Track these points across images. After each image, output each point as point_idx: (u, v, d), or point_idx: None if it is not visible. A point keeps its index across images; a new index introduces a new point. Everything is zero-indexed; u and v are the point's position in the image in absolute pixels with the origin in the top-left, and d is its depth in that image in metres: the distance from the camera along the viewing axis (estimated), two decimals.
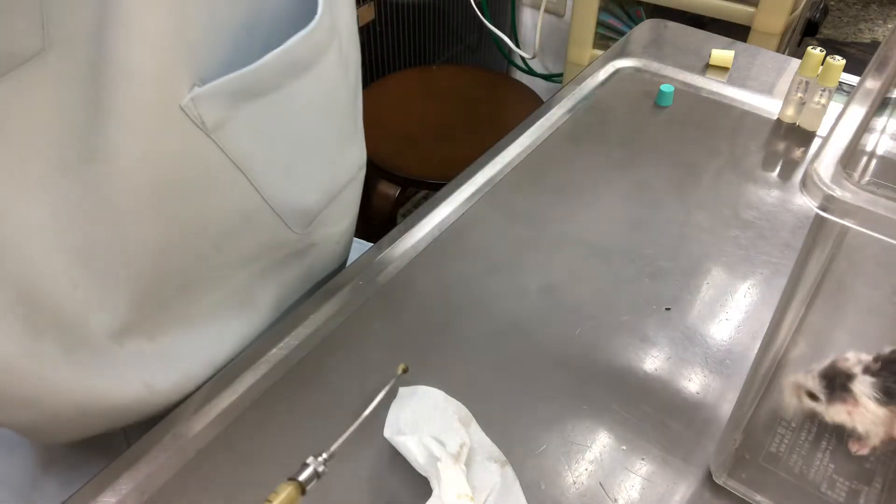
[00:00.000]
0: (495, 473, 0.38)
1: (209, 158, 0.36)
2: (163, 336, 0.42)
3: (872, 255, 0.35)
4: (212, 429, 0.42)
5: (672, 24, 0.81)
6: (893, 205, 0.24)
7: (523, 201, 0.58)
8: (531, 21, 1.67)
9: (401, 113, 1.18)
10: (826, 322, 0.39)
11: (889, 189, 0.39)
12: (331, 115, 0.45)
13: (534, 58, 1.55)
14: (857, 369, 0.35)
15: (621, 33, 1.38)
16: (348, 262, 0.53)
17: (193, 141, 0.35)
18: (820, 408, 0.36)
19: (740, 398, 0.38)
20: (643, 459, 0.41)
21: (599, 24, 1.37)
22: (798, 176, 0.62)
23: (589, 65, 0.74)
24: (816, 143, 0.65)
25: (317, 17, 0.39)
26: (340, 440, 0.35)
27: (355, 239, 0.71)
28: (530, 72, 1.68)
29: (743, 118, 0.68)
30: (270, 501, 0.31)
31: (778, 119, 0.67)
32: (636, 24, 1.12)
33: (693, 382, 0.45)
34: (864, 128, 0.28)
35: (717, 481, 0.40)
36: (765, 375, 0.37)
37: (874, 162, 0.38)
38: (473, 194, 0.58)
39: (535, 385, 0.45)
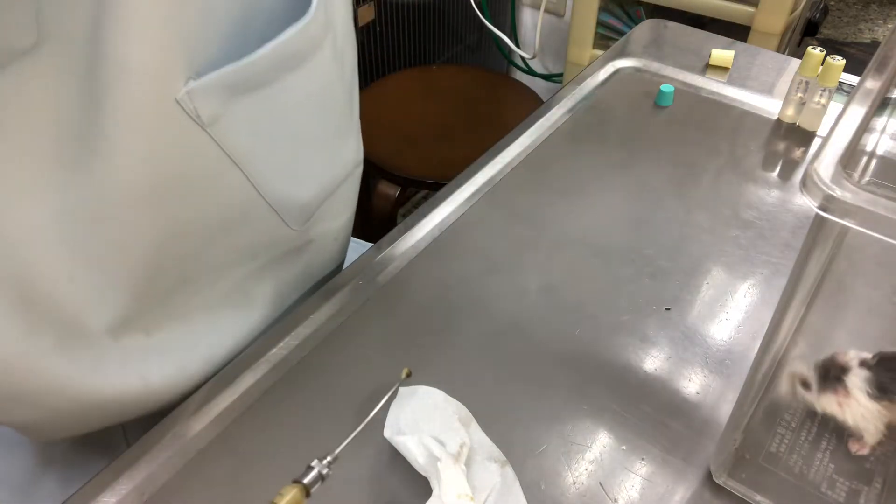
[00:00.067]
0: (495, 473, 0.38)
1: (205, 153, 0.36)
2: (160, 331, 0.42)
3: (872, 255, 0.35)
4: (212, 429, 0.42)
5: (672, 24, 0.81)
6: (893, 205, 0.24)
7: (523, 201, 0.58)
8: (531, 21, 1.67)
9: (401, 113, 1.18)
10: (826, 322, 0.39)
11: (889, 189, 0.39)
12: (326, 109, 0.45)
13: (534, 58, 1.55)
14: (854, 363, 0.36)
15: (621, 33, 1.38)
16: (348, 263, 0.52)
17: (189, 135, 0.35)
18: (811, 397, 0.36)
19: (740, 398, 0.38)
20: (643, 459, 0.41)
21: (599, 24, 1.37)
22: (798, 176, 0.62)
23: (589, 65, 0.74)
24: (816, 143, 0.65)
25: (311, 10, 0.39)
26: (344, 443, 0.35)
27: (355, 239, 0.71)
28: (530, 72, 1.68)
29: (743, 118, 0.68)
30: (275, 503, 0.31)
31: (778, 119, 0.67)
32: (636, 24, 1.12)
33: (693, 382, 0.45)
34: (864, 128, 0.28)
35: (717, 481, 0.40)
36: (765, 375, 0.37)
37: (874, 162, 0.38)
38: (473, 194, 0.58)
39: (536, 385, 0.45)
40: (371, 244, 0.55)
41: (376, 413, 0.38)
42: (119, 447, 0.51)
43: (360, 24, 1.27)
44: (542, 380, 0.45)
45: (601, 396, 0.44)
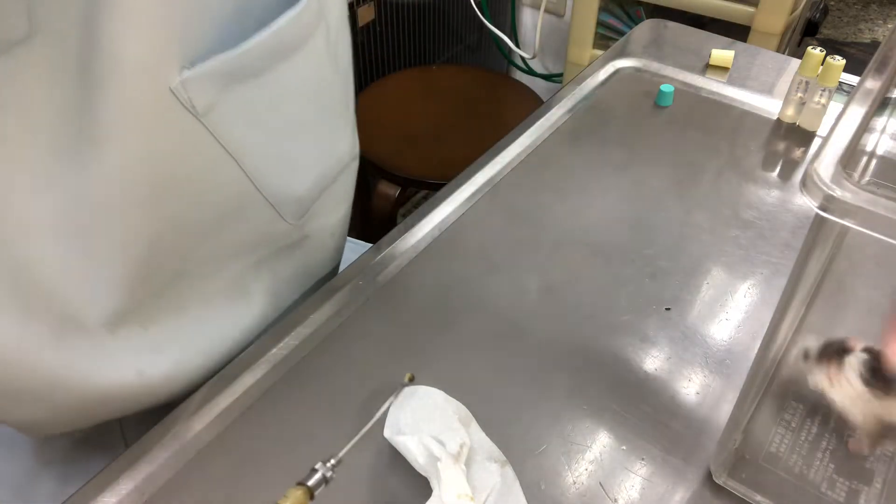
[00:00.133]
0: (495, 473, 0.38)
1: (200, 143, 0.36)
2: (156, 325, 0.42)
3: (872, 255, 0.35)
4: (212, 429, 0.42)
5: (672, 24, 0.81)
6: (893, 205, 0.24)
7: (523, 201, 0.58)
8: (531, 21, 1.67)
9: (401, 113, 1.18)
10: (826, 322, 0.39)
11: (889, 189, 0.39)
12: (321, 100, 0.45)
13: (534, 58, 1.55)
14: (859, 347, 0.36)
15: (621, 33, 1.38)
16: (348, 263, 0.52)
17: (184, 125, 0.35)
18: (807, 367, 0.36)
19: (740, 398, 0.38)
20: (643, 459, 0.41)
21: (599, 24, 1.37)
22: (798, 176, 0.62)
23: (589, 65, 0.74)
24: (816, 143, 0.65)
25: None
26: (348, 446, 0.35)
27: (355, 240, 0.71)
28: (530, 72, 1.68)
29: (743, 118, 0.68)
30: None
31: (778, 119, 0.67)
32: (636, 24, 1.12)
33: (693, 382, 0.45)
34: (864, 128, 0.28)
35: (717, 481, 0.40)
36: (765, 375, 0.37)
37: (874, 162, 0.38)
38: (473, 194, 0.58)
39: (535, 385, 0.45)
40: (371, 244, 0.55)
41: (374, 412, 0.38)
42: (117, 446, 0.51)
43: (360, 24, 1.27)
44: (542, 380, 0.45)
45: (601, 396, 0.44)
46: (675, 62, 0.74)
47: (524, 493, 0.38)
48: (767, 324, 0.34)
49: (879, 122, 0.34)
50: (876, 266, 0.36)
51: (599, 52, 1.19)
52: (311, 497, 0.32)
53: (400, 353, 0.46)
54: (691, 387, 0.45)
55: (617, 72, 0.74)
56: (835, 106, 0.65)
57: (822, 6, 1.27)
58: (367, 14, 1.27)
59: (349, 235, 0.68)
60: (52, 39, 0.30)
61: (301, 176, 0.45)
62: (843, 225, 0.25)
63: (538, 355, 0.46)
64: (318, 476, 0.33)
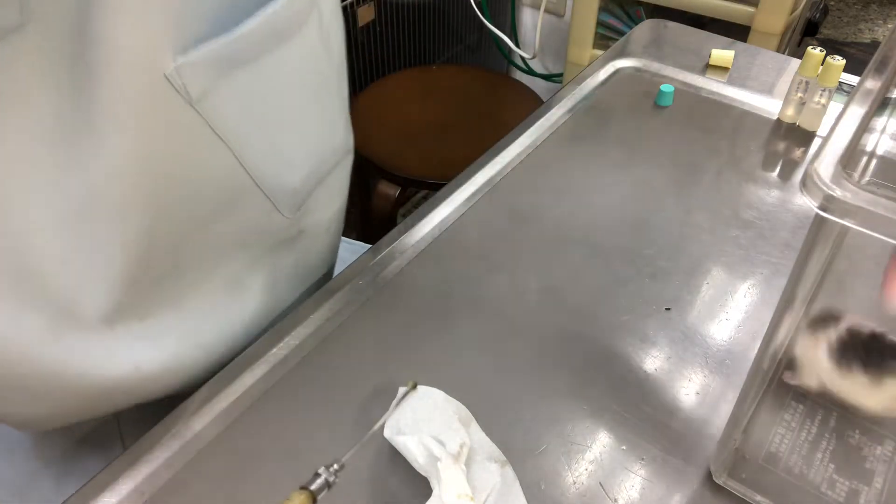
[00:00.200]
0: (495, 473, 0.38)
1: (195, 132, 0.36)
2: (153, 318, 0.42)
3: (872, 255, 0.35)
4: (212, 429, 0.42)
5: (672, 24, 0.81)
6: (893, 205, 0.24)
7: (523, 201, 0.58)
8: (531, 21, 1.67)
9: (401, 113, 1.18)
10: None
11: (889, 189, 0.39)
12: (314, 90, 0.45)
13: (534, 58, 1.55)
14: (846, 324, 0.36)
15: (621, 33, 1.38)
16: (348, 263, 0.52)
17: (179, 113, 0.35)
18: (802, 333, 0.36)
19: (740, 398, 0.38)
20: (643, 459, 0.41)
21: (599, 24, 1.37)
22: (798, 176, 0.62)
23: (589, 65, 0.74)
24: (816, 143, 0.65)
25: None
26: (351, 451, 0.35)
27: (355, 241, 0.71)
28: (530, 72, 1.68)
29: (743, 118, 0.68)
30: None
31: (778, 119, 0.67)
32: (636, 24, 1.12)
33: (693, 382, 0.45)
34: (864, 128, 0.28)
35: (717, 481, 0.40)
36: (765, 375, 0.37)
37: (874, 162, 0.38)
38: (473, 194, 0.58)
39: (535, 385, 0.45)
40: (371, 244, 0.55)
41: (373, 412, 0.38)
42: (115, 446, 0.51)
43: (360, 24, 1.27)
44: (542, 380, 0.45)
45: (601, 396, 0.44)
46: (675, 62, 0.74)
47: (524, 493, 0.38)
48: (767, 324, 0.34)
49: (879, 122, 0.34)
50: (876, 266, 0.36)
51: (599, 52, 1.19)
52: (314, 501, 0.32)
53: (400, 353, 0.46)
54: (691, 387, 0.45)
55: (617, 72, 0.74)
56: (835, 106, 0.65)
57: (822, 6, 1.27)
58: (367, 14, 1.27)
59: (349, 236, 0.68)
60: (45, 27, 0.30)
61: (295, 166, 0.46)
62: (843, 225, 0.25)
63: (538, 355, 0.46)
64: (321, 480, 0.33)
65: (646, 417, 0.43)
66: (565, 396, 0.44)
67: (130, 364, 0.41)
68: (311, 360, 0.46)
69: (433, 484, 0.36)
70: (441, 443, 0.37)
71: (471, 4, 1.44)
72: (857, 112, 0.28)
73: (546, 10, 1.49)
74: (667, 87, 0.68)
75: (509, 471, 0.38)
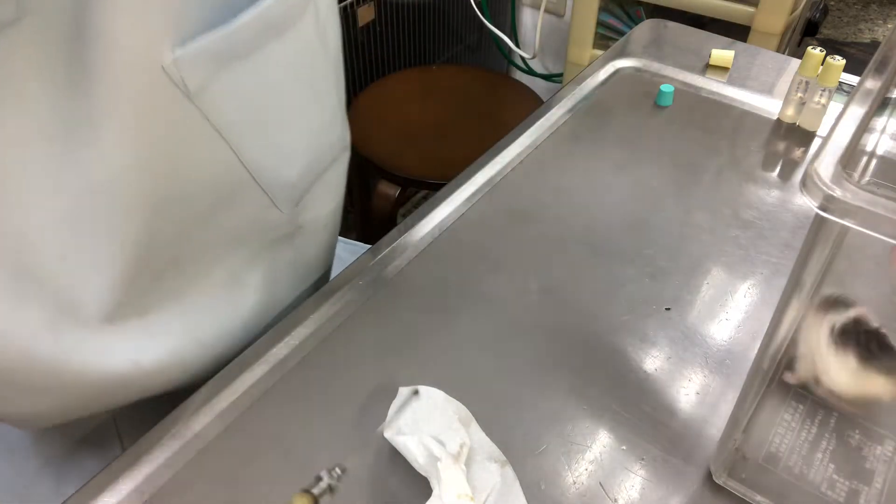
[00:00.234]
0: (495, 473, 0.38)
1: (192, 125, 0.37)
2: (152, 313, 0.42)
3: (872, 255, 0.35)
4: (212, 429, 0.42)
5: (672, 24, 0.81)
6: (893, 205, 0.24)
7: (523, 201, 0.58)
8: (531, 21, 1.67)
9: (401, 113, 1.18)
10: None
11: (889, 189, 0.39)
12: (311, 85, 0.45)
13: (534, 58, 1.55)
14: (853, 313, 0.36)
15: (621, 33, 1.38)
16: (348, 263, 0.53)
17: (177, 106, 0.35)
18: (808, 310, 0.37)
19: (740, 398, 0.38)
20: (643, 459, 0.41)
21: (599, 24, 1.37)
22: (798, 176, 0.62)
23: (589, 65, 0.74)
24: (816, 143, 0.65)
25: None
26: (355, 457, 0.35)
27: (355, 241, 0.71)
28: (530, 72, 1.68)
29: (743, 118, 0.68)
30: None
31: (778, 119, 0.67)
32: (636, 24, 1.12)
33: (693, 382, 0.45)
34: (864, 128, 0.28)
35: (717, 481, 0.40)
36: (765, 375, 0.37)
37: (874, 162, 0.38)
38: (473, 194, 0.58)
39: (535, 385, 0.45)
40: (371, 245, 0.55)
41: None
42: (113, 447, 0.51)
43: (360, 24, 1.27)
44: (542, 380, 0.45)
45: (601, 396, 0.44)
46: (675, 62, 0.74)
47: (524, 493, 0.38)
48: (767, 324, 0.34)
49: (879, 122, 0.34)
50: (876, 266, 0.36)
51: (599, 52, 1.19)
52: None
53: (400, 353, 0.46)
54: (691, 387, 0.45)
55: (617, 72, 0.74)
56: (835, 106, 0.65)
57: (822, 6, 1.27)
58: (367, 14, 1.27)
59: (349, 236, 0.68)
60: (41, 20, 0.30)
61: (293, 161, 0.46)
62: (843, 225, 0.25)
63: (538, 355, 0.46)
64: (323, 484, 0.33)
65: (646, 417, 0.43)
66: (565, 396, 0.44)
67: (130, 359, 0.41)
68: (311, 360, 0.46)
69: (433, 484, 0.36)
70: (441, 443, 0.37)
71: (471, 4, 1.44)
72: (857, 112, 0.28)
73: (546, 10, 1.49)
74: (667, 87, 0.68)
75: (509, 471, 0.38)
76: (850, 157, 0.26)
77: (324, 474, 0.33)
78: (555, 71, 1.70)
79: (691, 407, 0.44)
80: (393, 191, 1.07)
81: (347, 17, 1.24)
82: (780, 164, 0.63)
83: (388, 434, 0.39)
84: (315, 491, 0.33)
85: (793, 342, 0.36)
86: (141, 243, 0.38)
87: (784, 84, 0.71)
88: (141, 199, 0.36)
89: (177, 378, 0.45)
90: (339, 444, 0.41)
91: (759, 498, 0.38)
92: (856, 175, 0.33)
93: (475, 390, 0.43)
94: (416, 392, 0.40)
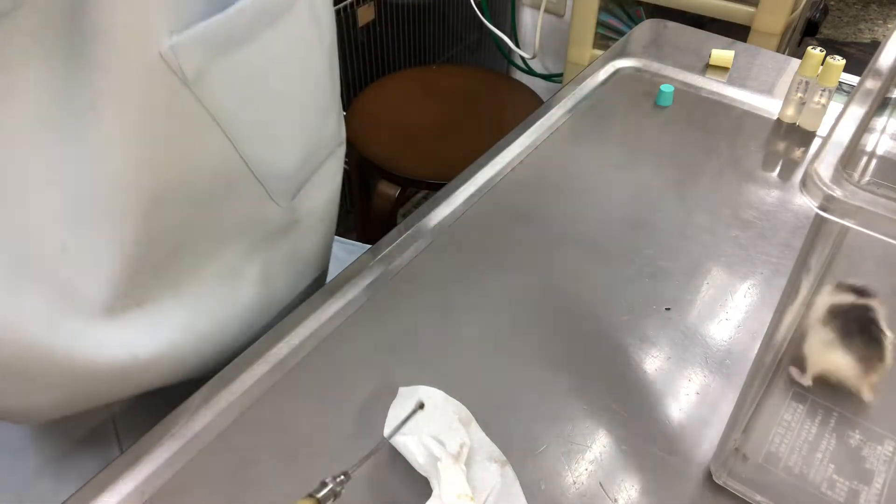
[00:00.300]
0: (495, 473, 0.38)
1: (190, 113, 0.37)
2: (151, 303, 0.42)
3: (872, 255, 0.35)
4: (212, 428, 0.42)
5: (672, 24, 0.81)
6: (893, 205, 0.24)
7: (523, 201, 0.58)
8: (531, 21, 1.67)
9: (401, 113, 1.18)
10: None
11: (889, 189, 0.39)
12: (306, 75, 0.45)
13: (534, 58, 1.55)
14: (858, 299, 0.36)
15: (621, 33, 1.38)
16: (347, 264, 0.53)
17: (174, 93, 0.35)
18: (825, 291, 0.37)
19: (740, 398, 0.38)
20: (643, 459, 0.41)
21: (599, 24, 1.37)
22: (798, 176, 0.62)
23: (589, 65, 0.74)
24: (816, 143, 0.65)
25: None
26: (358, 462, 0.35)
27: (355, 242, 0.71)
28: (530, 72, 1.68)
29: (743, 118, 0.68)
30: None
31: (778, 119, 0.67)
32: (636, 24, 1.12)
33: (693, 382, 0.45)
34: (864, 128, 0.28)
35: (717, 481, 0.40)
36: (765, 375, 0.37)
37: (874, 162, 0.38)
38: (473, 194, 0.58)
39: (536, 385, 0.45)
40: (371, 245, 0.55)
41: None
42: (111, 447, 0.51)
43: (360, 24, 1.27)
44: (542, 380, 0.45)
45: (601, 396, 0.44)
46: (675, 62, 0.74)
47: (524, 493, 0.38)
48: (767, 324, 0.34)
49: (879, 122, 0.34)
50: (876, 266, 0.36)
51: (599, 52, 1.19)
52: None
53: (400, 353, 0.46)
54: (691, 387, 0.45)
55: (617, 72, 0.74)
56: (835, 106, 0.65)
57: (822, 6, 1.27)
58: (367, 14, 1.27)
59: (349, 236, 0.68)
60: (38, 9, 0.30)
61: (288, 152, 0.46)
62: (843, 225, 0.25)
63: (538, 355, 0.46)
64: (327, 490, 0.33)
65: (646, 417, 0.43)
66: (565, 396, 0.44)
67: (128, 351, 0.41)
68: (311, 360, 0.46)
69: (433, 484, 0.36)
70: (441, 443, 0.37)
71: (471, 4, 1.44)
72: (857, 112, 0.28)
73: (546, 10, 1.49)
74: (667, 87, 0.68)
75: (509, 471, 0.38)
76: (850, 157, 0.26)
77: (329, 480, 0.34)
78: (555, 71, 1.70)
79: (691, 407, 0.44)
80: (393, 191, 1.07)
81: (347, 17, 1.24)
82: (780, 164, 0.63)
83: (388, 434, 0.39)
84: (320, 496, 0.33)
85: (793, 342, 0.36)
86: (141, 235, 0.38)
87: (784, 84, 0.71)
88: (140, 189, 0.36)
89: (175, 371, 0.45)
90: (339, 444, 0.41)
91: (759, 498, 0.38)
92: (856, 175, 0.33)
93: (475, 390, 0.43)
94: (422, 406, 0.40)
